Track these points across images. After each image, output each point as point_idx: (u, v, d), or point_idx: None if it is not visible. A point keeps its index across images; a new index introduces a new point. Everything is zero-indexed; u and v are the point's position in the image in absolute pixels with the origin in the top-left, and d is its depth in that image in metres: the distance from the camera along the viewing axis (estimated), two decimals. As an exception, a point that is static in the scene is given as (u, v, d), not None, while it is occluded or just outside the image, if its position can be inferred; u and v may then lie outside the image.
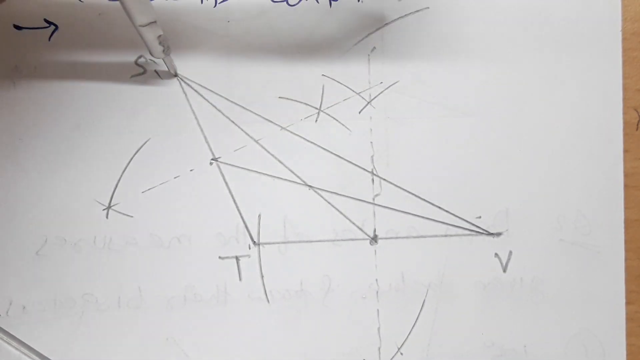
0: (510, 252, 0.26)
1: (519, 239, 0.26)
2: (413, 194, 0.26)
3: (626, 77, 0.26)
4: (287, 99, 0.25)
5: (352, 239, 0.25)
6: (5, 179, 0.25)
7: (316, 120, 0.25)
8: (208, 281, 0.25)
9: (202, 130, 0.25)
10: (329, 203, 0.25)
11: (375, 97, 0.25)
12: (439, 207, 0.26)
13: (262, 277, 0.25)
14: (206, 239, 0.25)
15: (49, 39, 0.25)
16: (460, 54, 0.25)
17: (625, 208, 0.26)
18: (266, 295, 0.25)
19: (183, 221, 0.25)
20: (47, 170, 0.25)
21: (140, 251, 0.25)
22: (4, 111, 0.25)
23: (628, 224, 0.26)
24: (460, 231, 0.26)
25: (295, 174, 0.25)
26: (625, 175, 0.26)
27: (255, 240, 0.25)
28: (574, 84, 0.25)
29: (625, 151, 0.26)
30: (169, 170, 0.25)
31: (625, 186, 0.26)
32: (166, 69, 0.25)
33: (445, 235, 0.26)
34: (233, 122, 0.25)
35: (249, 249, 0.25)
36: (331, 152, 0.25)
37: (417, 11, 0.25)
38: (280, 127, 0.25)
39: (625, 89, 0.26)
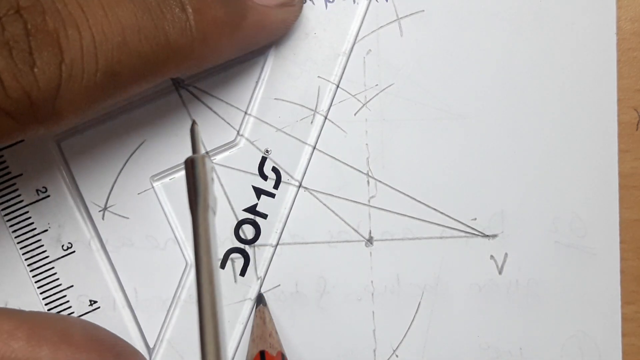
0: (506, 254, 0.26)
1: (515, 241, 0.26)
2: (408, 196, 0.26)
3: (626, 77, 0.25)
4: (283, 100, 0.25)
5: (348, 241, 0.26)
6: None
7: (311, 122, 0.25)
8: (204, 283, 0.25)
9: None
10: (324, 205, 0.25)
11: (370, 100, 0.25)
12: (435, 209, 0.26)
13: (258, 278, 0.25)
14: (202, 240, 0.25)
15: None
16: (456, 56, 0.25)
17: (626, 208, 0.26)
18: (262, 296, 0.25)
19: (179, 223, 0.25)
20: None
21: (136, 252, 0.25)
22: None
23: (628, 224, 0.26)
24: (455, 233, 0.26)
25: (290, 176, 0.25)
26: (626, 175, 0.26)
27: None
28: (569, 86, 0.25)
29: (626, 151, 0.25)
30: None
31: (626, 186, 0.26)
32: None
33: (441, 237, 0.26)
34: (228, 123, 0.25)
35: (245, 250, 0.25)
36: (327, 154, 0.25)
37: (413, 14, 0.25)
38: (276, 128, 0.25)
39: (624, 89, 0.25)
